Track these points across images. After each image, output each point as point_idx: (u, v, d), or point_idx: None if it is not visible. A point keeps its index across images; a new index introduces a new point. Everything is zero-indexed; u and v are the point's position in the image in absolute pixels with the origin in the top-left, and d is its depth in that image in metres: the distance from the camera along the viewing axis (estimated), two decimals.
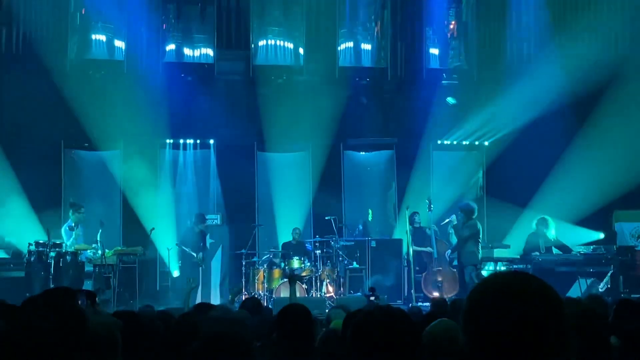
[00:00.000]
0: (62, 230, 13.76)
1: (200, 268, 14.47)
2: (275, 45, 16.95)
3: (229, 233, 15.40)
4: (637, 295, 12.82)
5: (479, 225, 13.77)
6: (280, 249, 15.19)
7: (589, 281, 13.68)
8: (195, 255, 14.11)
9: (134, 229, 15.48)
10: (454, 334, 3.70)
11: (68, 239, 13.52)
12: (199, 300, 13.67)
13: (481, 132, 16.97)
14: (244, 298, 13.07)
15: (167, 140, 16.54)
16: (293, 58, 17.05)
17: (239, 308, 7.21)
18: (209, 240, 14.68)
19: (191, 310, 6.34)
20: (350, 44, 17.25)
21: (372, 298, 10.72)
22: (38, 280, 13.06)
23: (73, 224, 13.65)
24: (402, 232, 15.45)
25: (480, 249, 13.75)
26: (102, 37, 16.37)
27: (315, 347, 4.54)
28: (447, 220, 14.13)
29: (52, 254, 13.29)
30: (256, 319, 6.00)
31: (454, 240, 14.20)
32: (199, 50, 16.79)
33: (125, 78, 15.78)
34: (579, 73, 15.49)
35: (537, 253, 13.94)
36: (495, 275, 1.89)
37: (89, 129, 15.64)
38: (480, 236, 13.78)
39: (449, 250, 14.07)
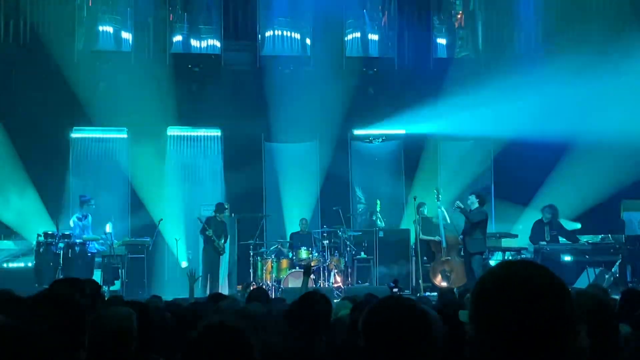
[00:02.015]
0: (71, 220, 13.82)
1: (221, 256, 14.53)
2: (282, 36, 16.93)
3: (237, 224, 15.43)
4: None
5: (487, 214, 13.78)
6: (288, 239, 15.22)
7: (597, 271, 13.65)
8: (217, 241, 14.21)
9: (142, 220, 15.53)
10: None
11: (76, 230, 13.58)
12: (207, 290, 13.76)
13: (489, 122, 16.90)
14: (252, 289, 13.13)
15: (175, 132, 16.56)
16: (300, 48, 17.02)
17: (247, 299, 7.23)
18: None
19: (202, 301, 6.36)
20: (358, 34, 17.20)
21: (395, 290, 10.70)
22: (47, 271, 13.13)
23: (82, 215, 13.71)
24: (409, 222, 15.44)
25: (486, 237, 13.76)
26: (109, 29, 16.38)
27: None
28: (456, 205, 14.12)
29: (61, 244, 13.37)
30: (264, 309, 6.02)
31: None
32: (205, 41, 16.78)
33: (132, 69, 15.79)
34: (588, 60, 15.41)
35: (544, 242, 13.91)
36: (503, 264, 1.89)
37: (96, 120, 15.69)
38: (488, 225, 13.78)
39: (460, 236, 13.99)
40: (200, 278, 14.14)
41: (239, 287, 14.50)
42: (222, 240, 14.51)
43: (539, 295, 1.77)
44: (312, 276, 13.69)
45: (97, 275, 13.67)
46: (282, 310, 5.19)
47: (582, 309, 3.30)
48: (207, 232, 14.25)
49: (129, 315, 3.74)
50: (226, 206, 15.18)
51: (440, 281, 14.10)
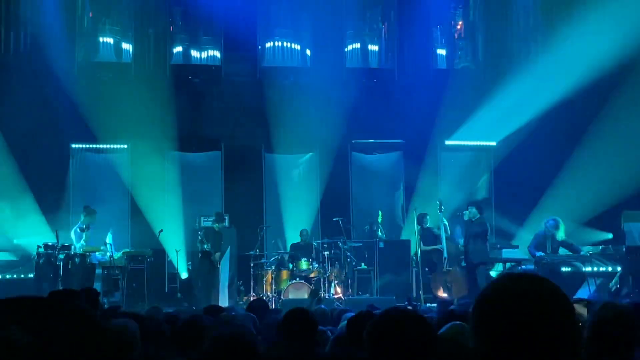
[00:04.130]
0: (72, 231, 13.78)
1: (217, 268, 14.48)
2: (282, 47, 16.96)
3: (237, 234, 15.41)
4: None
5: (488, 224, 13.77)
6: (288, 250, 15.19)
7: (597, 282, 13.60)
8: (214, 253, 14.16)
9: (142, 231, 15.50)
10: (466, 338, 3.67)
11: (78, 241, 13.54)
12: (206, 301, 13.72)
13: (489, 133, 16.91)
14: (251, 299, 13.10)
15: (174, 142, 16.54)
16: (300, 59, 17.05)
17: (246, 310, 7.22)
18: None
19: (201, 313, 6.34)
20: (357, 45, 17.24)
21: (410, 308, 10.64)
22: (47, 283, 13.08)
23: (84, 226, 13.65)
24: (410, 233, 15.42)
25: (489, 247, 13.74)
26: (110, 40, 16.41)
27: (326, 350, 4.55)
28: (458, 214, 14.14)
29: (61, 256, 13.32)
30: (262, 320, 6.00)
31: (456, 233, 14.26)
32: (206, 52, 16.81)
33: (132, 80, 15.82)
34: (586, 72, 15.43)
35: (542, 253, 13.86)
36: (504, 277, 1.87)
37: (97, 131, 15.69)
38: (489, 235, 13.78)
39: (460, 245, 13.98)
40: (198, 290, 14.17)
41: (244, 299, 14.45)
42: (218, 254, 14.39)
43: (543, 309, 1.75)
44: (311, 287, 13.72)
45: (97, 287, 13.61)
46: (273, 321, 5.19)
47: (605, 321, 3.28)
48: (204, 247, 14.11)
49: (133, 328, 3.74)
50: (225, 216, 15.14)
51: (441, 292, 14.06)
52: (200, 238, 14.14)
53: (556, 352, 1.74)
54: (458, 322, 3.97)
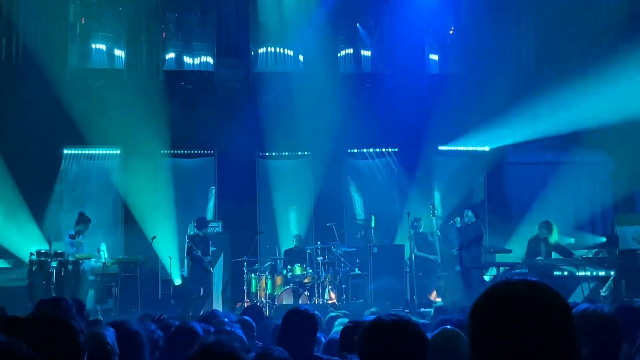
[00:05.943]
0: (64, 239, 13.74)
1: (210, 274, 14.44)
2: (275, 53, 16.97)
3: (230, 240, 15.37)
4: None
5: (483, 229, 13.80)
6: (282, 256, 15.16)
7: (591, 285, 13.61)
8: (204, 259, 14.11)
9: (135, 238, 15.45)
10: (456, 342, 3.67)
11: (69, 248, 13.49)
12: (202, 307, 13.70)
13: (482, 138, 16.93)
14: (245, 305, 13.09)
15: (167, 148, 16.52)
16: (293, 65, 17.06)
17: (241, 314, 7.20)
18: (211, 248, 14.67)
19: (191, 320, 6.31)
20: (350, 50, 17.27)
21: (407, 311, 10.62)
22: (40, 290, 13.01)
23: (74, 233, 13.59)
24: (404, 237, 15.42)
25: (483, 251, 13.76)
26: (102, 46, 16.40)
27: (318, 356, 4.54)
28: (451, 222, 14.16)
29: (54, 263, 13.26)
30: (258, 326, 5.99)
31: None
32: (198, 58, 16.82)
33: (125, 87, 15.79)
34: (578, 76, 15.46)
35: (540, 257, 13.88)
36: (502, 282, 1.85)
37: (89, 138, 15.65)
38: (483, 240, 13.80)
39: (455, 250, 14.03)
40: (195, 298, 14.14)
41: (238, 305, 14.43)
42: (209, 258, 14.37)
43: (541, 315, 1.74)
44: (306, 293, 13.69)
45: (90, 294, 13.60)
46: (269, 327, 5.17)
47: (588, 328, 3.27)
48: (196, 253, 14.07)
49: (107, 336, 3.72)
50: (209, 220, 15.07)
51: (435, 297, 14.08)
52: (189, 246, 14.09)
53: (553, 356, 1.73)
54: (449, 327, 3.96)
